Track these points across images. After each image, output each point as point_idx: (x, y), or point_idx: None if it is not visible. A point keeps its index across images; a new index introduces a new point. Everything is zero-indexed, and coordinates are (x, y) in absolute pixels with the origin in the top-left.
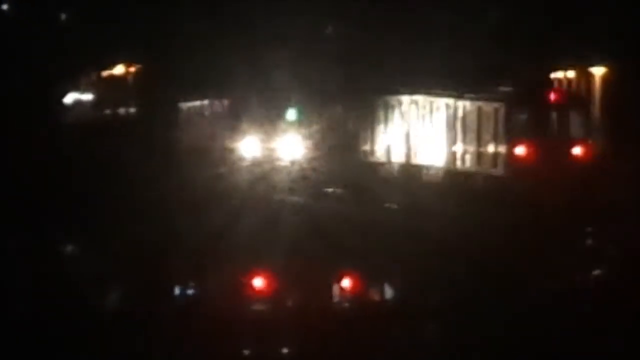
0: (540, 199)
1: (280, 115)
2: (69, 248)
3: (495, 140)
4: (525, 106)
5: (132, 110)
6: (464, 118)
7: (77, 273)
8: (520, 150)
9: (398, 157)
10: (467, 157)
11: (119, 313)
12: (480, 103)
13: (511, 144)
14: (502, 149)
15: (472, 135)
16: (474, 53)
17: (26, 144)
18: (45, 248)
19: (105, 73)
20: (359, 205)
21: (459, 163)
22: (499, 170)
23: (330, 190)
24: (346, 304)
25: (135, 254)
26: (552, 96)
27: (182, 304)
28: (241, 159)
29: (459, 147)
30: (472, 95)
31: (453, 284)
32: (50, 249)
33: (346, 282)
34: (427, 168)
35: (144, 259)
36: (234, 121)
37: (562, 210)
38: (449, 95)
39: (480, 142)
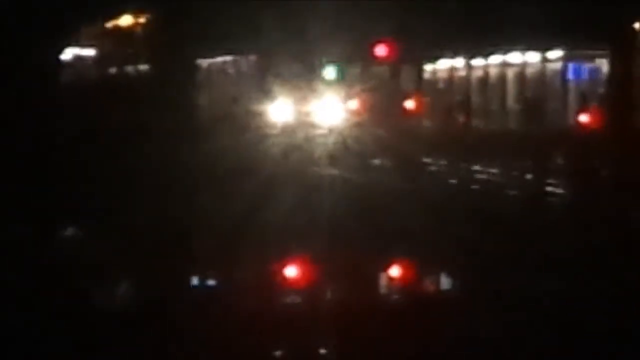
0: None
1: (317, 73)
2: (70, 234)
3: None
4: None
5: (142, 68)
6: None
7: (80, 263)
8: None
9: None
10: None
11: (127, 308)
12: None
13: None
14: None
15: None
16: None
17: (17, 110)
18: (42, 235)
19: (109, 24)
20: (411, 180)
21: None
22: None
23: (377, 161)
24: (395, 296)
25: (146, 239)
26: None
27: (202, 297)
28: (271, 125)
29: None
30: None
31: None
32: (49, 236)
33: (395, 271)
34: None
35: (156, 246)
36: (262, 81)
37: None
38: None
39: None
